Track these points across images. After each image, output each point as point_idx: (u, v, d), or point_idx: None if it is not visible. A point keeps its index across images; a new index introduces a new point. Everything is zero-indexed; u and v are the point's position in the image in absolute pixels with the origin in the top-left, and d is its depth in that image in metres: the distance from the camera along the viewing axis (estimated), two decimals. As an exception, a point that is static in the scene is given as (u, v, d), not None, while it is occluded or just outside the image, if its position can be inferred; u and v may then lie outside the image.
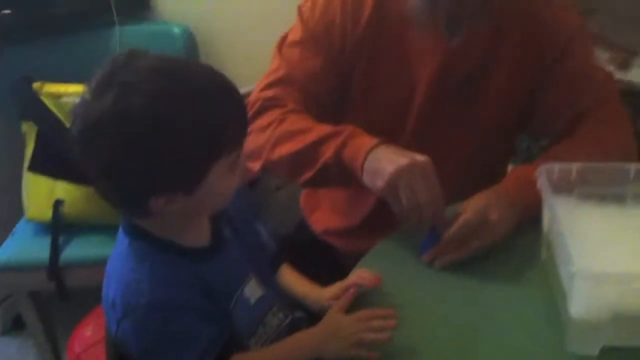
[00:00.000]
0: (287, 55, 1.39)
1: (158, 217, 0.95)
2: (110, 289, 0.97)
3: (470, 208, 1.17)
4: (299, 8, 1.39)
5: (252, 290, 1.07)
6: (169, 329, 0.94)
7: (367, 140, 1.21)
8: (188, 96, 0.89)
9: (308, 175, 1.27)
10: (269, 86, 1.38)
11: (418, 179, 1.12)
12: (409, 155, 1.15)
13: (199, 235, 1.03)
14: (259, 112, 1.34)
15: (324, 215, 1.56)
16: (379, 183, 1.15)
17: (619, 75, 1.80)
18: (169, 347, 0.94)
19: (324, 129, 1.27)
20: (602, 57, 1.83)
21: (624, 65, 1.85)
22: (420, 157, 1.14)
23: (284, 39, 1.41)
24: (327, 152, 1.24)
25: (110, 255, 1.03)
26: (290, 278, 1.19)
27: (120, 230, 1.02)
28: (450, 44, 1.29)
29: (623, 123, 1.33)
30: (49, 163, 1.81)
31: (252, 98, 1.38)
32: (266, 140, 1.31)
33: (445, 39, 1.30)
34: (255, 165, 1.32)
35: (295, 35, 1.39)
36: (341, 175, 1.23)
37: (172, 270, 0.97)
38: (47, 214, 1.77)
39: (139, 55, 0.92)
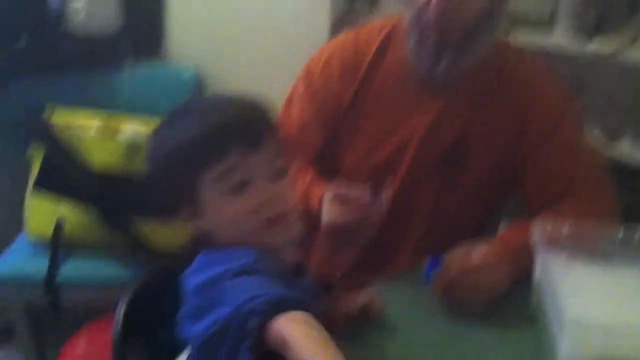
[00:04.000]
0: (287, 110, 1.48)
1: None
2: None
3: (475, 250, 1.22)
4: (307, 65, 1.48)
5: None
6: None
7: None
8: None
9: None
10: None
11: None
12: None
13: None
14: None
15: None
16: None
17: (605, 150, 1.90)
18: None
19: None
20: (591, 132, 1.92)
21: (611, 141, 1.94)
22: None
23: (291, 94, 1.50)
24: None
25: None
26: None
27: None
28: (435, 75, 1.34)
29: (610, 194, 1.40)
30: (54, 185, 1.86)
31: None
32: None
33: (436, 99, 1.37)
34: None
35: (297, 90, 1.48)
36: None
37: None
38: (48, 231, 1.81)
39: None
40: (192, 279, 0.90)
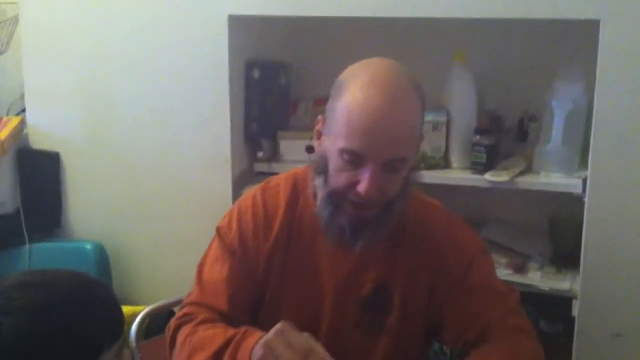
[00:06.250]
0: (204, 276, 1.43)
1: None
2: None
3: None
4: (218, 228, 1.45)
5: None
6: None
7: (253, 339, 1.23)
8: (58, 303, 0.93)
9: None
10: (183, 307, 1.43)
11: (282, 342, 1.17)
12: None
13: None
14: (176, 330, 1.38)
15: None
16: None
17: (516, 279, 1.91)
18: None
19: (220, 338, 1.29)
20: (500, 262, 1.94)
21: (521, 269, 1.96)
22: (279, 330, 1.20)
23: (203, 262, 1.46)
24: None
25: None
26: None
27: None
28: (355, 248, 1.33)
29: (530, 331, 1.37)
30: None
31: (171, 322, 1.42)
32: (183, 356, 1.32)
33: (351, 248, 1.35)
34: None
35: (213, 253, 1.44)
36: None
37: None
38: None
39: (2, 278, 0.95)
40: None
